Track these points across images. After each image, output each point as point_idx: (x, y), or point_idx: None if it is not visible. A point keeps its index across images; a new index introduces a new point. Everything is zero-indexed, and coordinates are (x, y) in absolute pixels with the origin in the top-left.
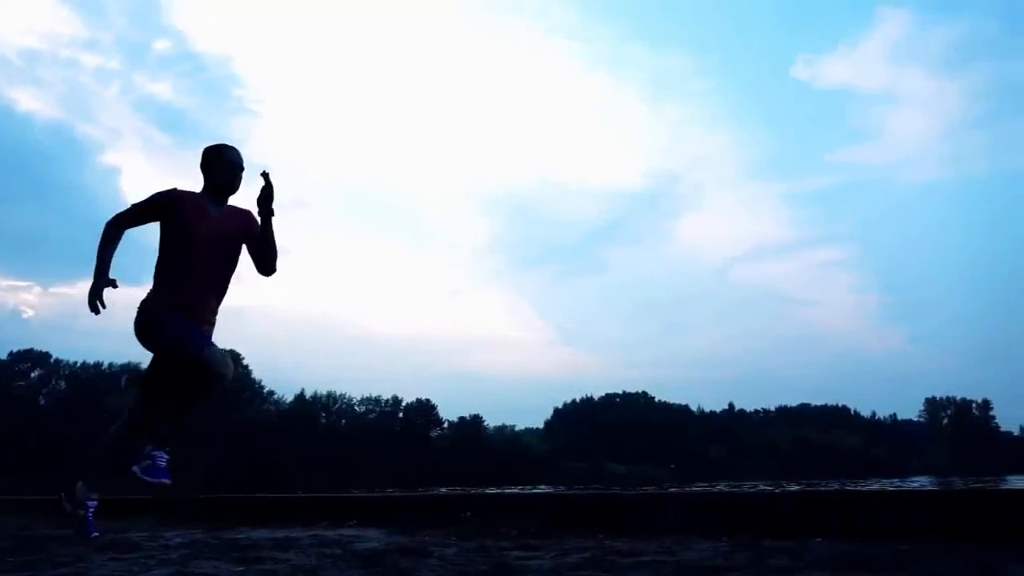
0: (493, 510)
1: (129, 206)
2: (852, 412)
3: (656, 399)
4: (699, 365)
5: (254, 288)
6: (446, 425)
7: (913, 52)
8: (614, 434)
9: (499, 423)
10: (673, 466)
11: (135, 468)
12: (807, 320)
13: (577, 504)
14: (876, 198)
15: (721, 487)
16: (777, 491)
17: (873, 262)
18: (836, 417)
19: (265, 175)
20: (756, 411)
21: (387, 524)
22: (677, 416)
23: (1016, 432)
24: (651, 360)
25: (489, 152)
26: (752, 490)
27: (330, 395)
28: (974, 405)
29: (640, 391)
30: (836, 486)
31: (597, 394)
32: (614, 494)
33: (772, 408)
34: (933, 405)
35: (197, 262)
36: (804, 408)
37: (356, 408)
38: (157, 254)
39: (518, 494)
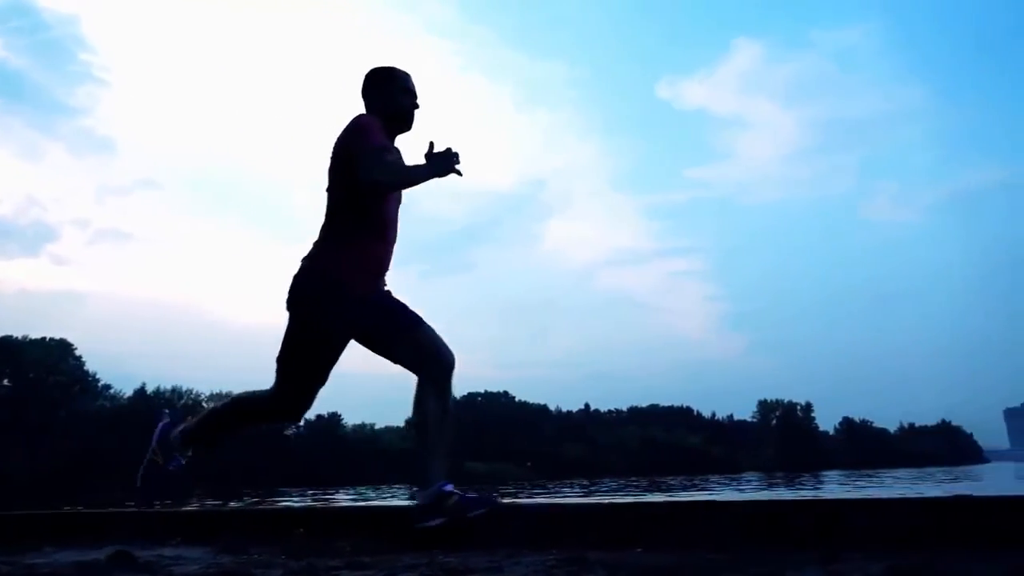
0: (329, 524)
1: (371, 146)
2: (695, 413)
3: (517, 398)
4: (559, 366)
5: (91, 271)
6: (302, 423)
7: (761, 83)
8: (475, 433)
9: (358, 421)
10: (529, 464)
11: (177, 461)
12: (660, 325)
13: None
14: (725, 214)
15: (574, 488)
16: (606, 503)
17: (720, 273)
18: (680, 417)
19: (431, 146)
20: (610, 411)
21: (214, 542)
22: (536, 415)
23: (832, 432)
24: (514, 360)
25: None
26: (586, 502)
27: (175, 390)
28: (798, 407)
29: (502, 390)
30: (677, 481)
31: (459, 393)
32: None
33: (624, 408)
34: (764, 407)
35: (390, 213)
36: (653, 409)
37: (205, 404)
38: (330, 199)
39: (356, 507)
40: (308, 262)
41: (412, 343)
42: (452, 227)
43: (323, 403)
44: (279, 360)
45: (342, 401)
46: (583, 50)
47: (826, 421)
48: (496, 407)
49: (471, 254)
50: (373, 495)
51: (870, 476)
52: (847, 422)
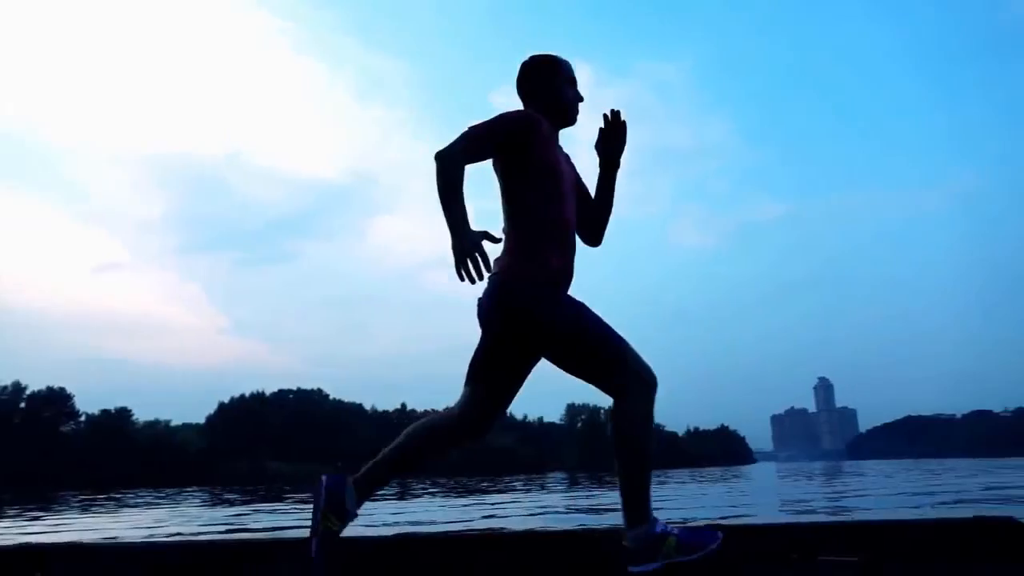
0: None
1: (469, 130)
2: (508, 414)
3: (331, 396)
4: (377, 364)
5: None
6: (83, 418)
7: (589, 104)
8: (283, 432)
9: (152, 417)
10: (340, 465)
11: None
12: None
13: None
14: None
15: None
16: (363, 538)
17: None
18: None
19: (616, 114)
20: (426, 411)
21: None
22: (350, 415)
23: None
24: (331, 357)
25: (171, 117)
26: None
27: None
28: (602, 411)
29: (316, 388)
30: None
31: (269, 389)
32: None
33: (440, 409)
34: (572, 410)
35: (569, 214)
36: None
37: None
38: (504, 198)
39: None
40: (503, 273)
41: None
42: (274, 214)
43: (110, 396)
44: (479, 376)
45: (132, 395)
46: (425, 51)
47: None
48: (308, 405)
49: (293, 244)
50: (165, 500)
51: (659, 475)
52: None
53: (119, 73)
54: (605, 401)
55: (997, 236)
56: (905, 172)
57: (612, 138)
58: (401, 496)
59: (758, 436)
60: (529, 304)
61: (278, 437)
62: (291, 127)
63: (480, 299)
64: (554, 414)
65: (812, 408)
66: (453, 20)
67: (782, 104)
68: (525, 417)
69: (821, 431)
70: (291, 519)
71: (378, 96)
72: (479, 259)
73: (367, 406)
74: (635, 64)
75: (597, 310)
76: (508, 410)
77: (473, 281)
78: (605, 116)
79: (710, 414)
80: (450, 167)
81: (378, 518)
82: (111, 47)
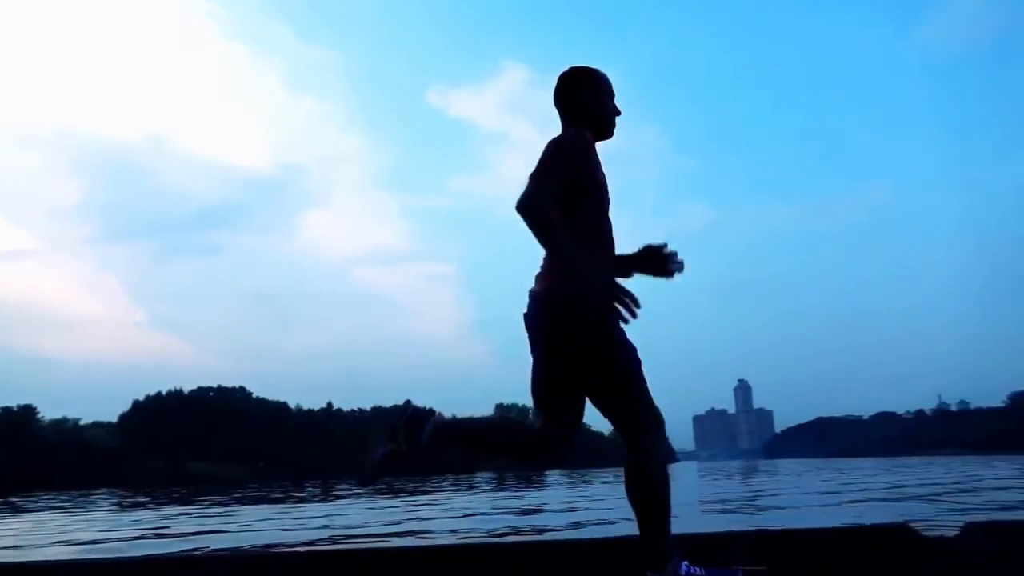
0: None
1: (541, 170)
2: (436, 413)
3: (254, 395)
4: (304, 362)
5: None
6: None
7: (524, 105)
8: (202, 431)
9: (59, 415)
10: (262, 465)
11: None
12: (410, 326)
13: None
14: (482, 224)
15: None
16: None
17: (471, 281)
18: None
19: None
20: (353, 410)
21: None
22: (274, 413)
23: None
24: (255, 353)
25: (87, 97)
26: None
27: None
28: (531, 411)
29: (238, 386)
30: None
31: (188, 387)
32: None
33: (368, 408)
34: (501, 409)
35: (611, 232)
36: (397, 409)
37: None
38: (564, 215)
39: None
40: (558, 289)
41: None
42: (198, 204)
43: (13, 393)
44: (541, 403)
45: (39, 392)
46: (359, 45)
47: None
48: (230, 403)
49: (217, 236)
50: (69, 503)
51: (583, 474)
52: None
53: (30, 48)
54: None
55: (908, 246)
56: (825, 183)
57: (653, 265)
58: (324, 499)
59: (681, 436)
60: (587, 322)
61: (197, 437)
62: (217, 114)
63: (535, 317)
64: (483, 413)
65: (732, 409)
66: (388, 14)
67: (712, 114)
68: (454, 416)
69: (740, 431)
70: (199, 524)
71: (310, 87)
72: (626, 299)
73: (292, 405)
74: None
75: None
76: (436, 409)
77: (634, 317)
78: (651, 248)
79: None
80: (541, 212)
81: (306, 522)
82: (23, 20)
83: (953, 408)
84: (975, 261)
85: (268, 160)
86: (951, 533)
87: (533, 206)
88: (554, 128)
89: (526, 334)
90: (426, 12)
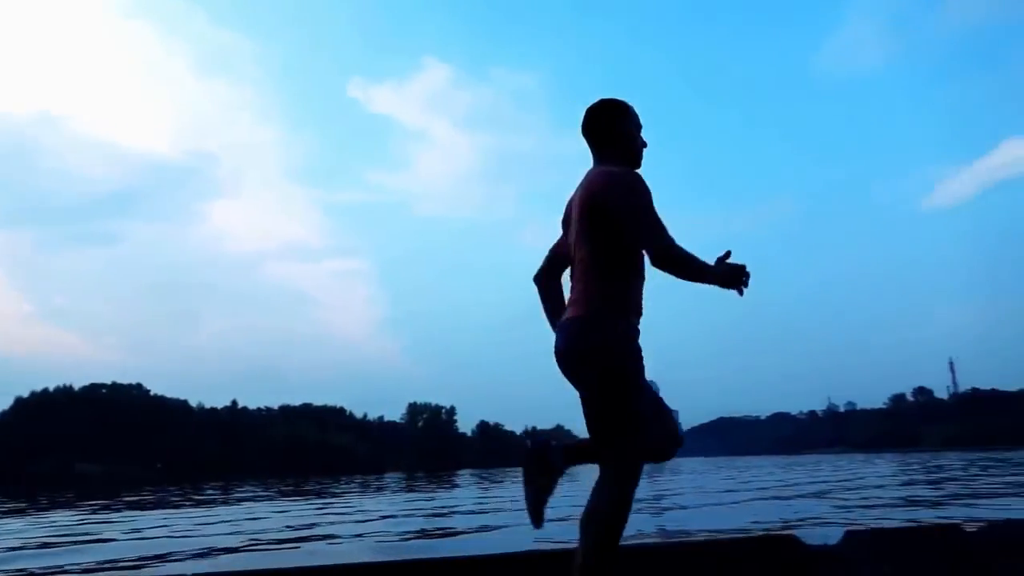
0: None
1: (647, 216)
2: (347, 413)
3: (152, 392)
4: (208, 358)
5: None
6: None
7: (445, 103)
8: (93, 430)
9: None
10: (159, 466)
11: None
12: (321, 323)
13: None
14: (398, 221)
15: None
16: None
17: (385, 277)
18: (333, 416)
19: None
20: (259, 409)
21: None
22: (173, 412)
23: (470, 433)
24: (154, 349)
25: None
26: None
27: None
28: (443, 411)
29: (135, 382)
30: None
31: (79, 383)
32: None
33: (276, 407)
34: (414, 409)
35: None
36: (306, 408)
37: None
38: (595, 250)
39: None
40: (595, 316)
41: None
42: (95, 189)
43: None
44: (611, 433)
45: None
46: (278, 32)
47: (466, 424)
48: (125, 400)
49: (116, 224)
50: None
51: (496, 473)
52: (483, 425)
53: None
54: (445, 401)
55: (803, 256)
56: (726, 195)
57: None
58: (225, 501)
59: None
60: (622, 349)
61: (88, 436)
62: (119, 95)
63: (574, 348)
64: (394, 413)
65: None
66: (311, 3)
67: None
68: (365, 416)
69: None
70: (84, 531)
71: (222, 72)
72: (743, 272)
73: (193, 403)
74: (493, 69)
75: (445, 304)
76: (347, 408)
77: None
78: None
79: (547, 414)
80: (674, 252)
81: (202, 528)
82: None
83: (841, 409)
84: (863, 271)
85: (174, 145)
86: (833, 541)
87: (664, 248)
88: (475, 129)
89: (560, 367)
90: (349, 4)
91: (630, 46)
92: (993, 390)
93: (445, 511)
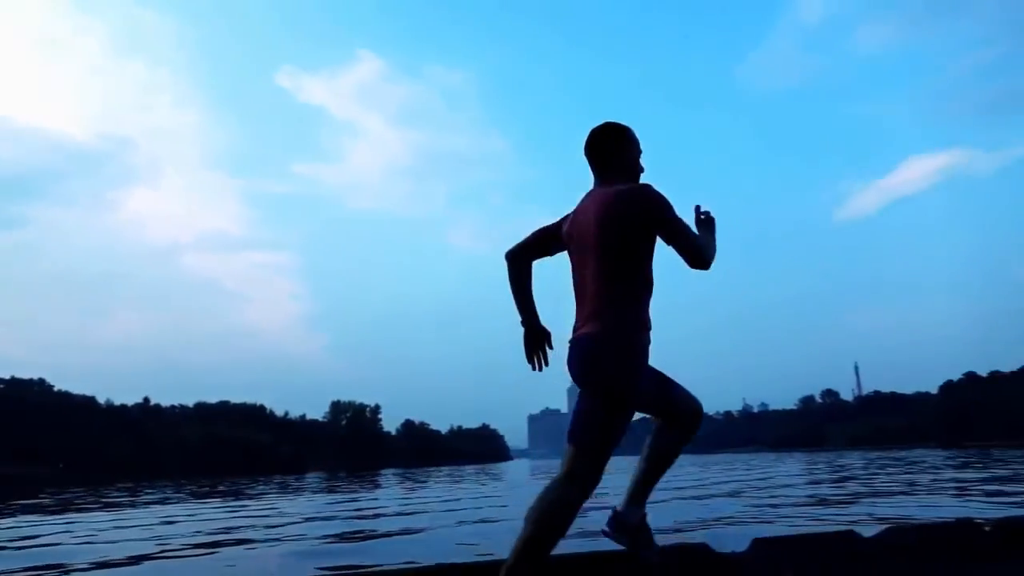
0: None
1: (683, 228)
2: (268, 411)
3: (56, 388)
4: (118, 353)
5: None
6: None
7: (377, 97)
8: None
9: None
10: (61, 466)
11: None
12: (240, 319)
13: None
14: (324, 214)
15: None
16: None
17: (308, 272)
18: (252, 415)
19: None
20: (173, 406)
21: None
22: (78, 409)
23: (394, 432)
24: (59, 342)
25: None
26: None
27: None
28: (368, 409)
29: (37, 377)
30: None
31: None
32: None
33: (191, 404)
34: (336, 407)
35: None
36: (223, 405)
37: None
38: (610, 264)
39: None
40: (610, 333)
41: (674, 398)
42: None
43: None
44: (592, 445)
45: None
46: (203, 14)
47: (391, 423)
48: (26, 397)
49: (20, 208)
50: None
51: (419, 473)
52: (408, 424)
53: None
54: (370, 399)
55: (727, 266)
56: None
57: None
58: (133, 503)
59: (516, 434)
60: (633, 363)
61: None
62: (28, 73)
63: (590, 366)
64: (317, 411)
65: (564, 409)
66: None
67: (555, 127)
68: (286, 414)
69: None
70: None
71: (140, 53)
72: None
73: (101, 399)
74: (425, 66)
75: (371, 301)
76: (267, 406)
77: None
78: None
79: (473, 413)
80: (706, 253)
81: (131, 532)
82: None
83: (755, 410)
84: (779, 278)
85: (87, 128)
86: (741, 549)
87: (706, 255)
88: (407, 125)
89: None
90: None
91: (566, 50)
92: (893, 393)
93: (368, 512)
